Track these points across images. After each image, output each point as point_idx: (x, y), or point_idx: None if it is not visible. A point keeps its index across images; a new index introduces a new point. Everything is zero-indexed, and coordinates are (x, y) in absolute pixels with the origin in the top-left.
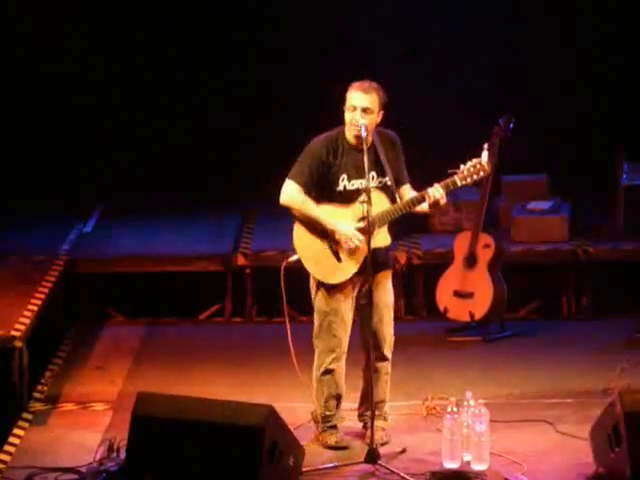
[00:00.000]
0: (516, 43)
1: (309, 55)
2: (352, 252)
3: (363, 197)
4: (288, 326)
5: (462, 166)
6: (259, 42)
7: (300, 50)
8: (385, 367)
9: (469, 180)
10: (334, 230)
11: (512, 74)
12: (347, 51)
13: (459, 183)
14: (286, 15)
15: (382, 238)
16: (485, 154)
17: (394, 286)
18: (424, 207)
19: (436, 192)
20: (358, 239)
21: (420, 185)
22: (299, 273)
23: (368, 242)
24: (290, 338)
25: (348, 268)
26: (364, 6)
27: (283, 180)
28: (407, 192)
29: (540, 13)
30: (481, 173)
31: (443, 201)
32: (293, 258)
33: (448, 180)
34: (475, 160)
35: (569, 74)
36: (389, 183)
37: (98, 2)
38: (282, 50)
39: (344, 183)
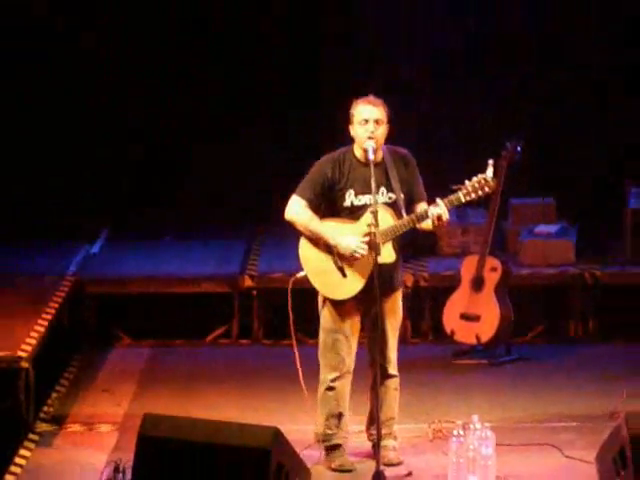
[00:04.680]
0: (526, 63)
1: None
2: (357, 267)
3: (371, 219)
4: (294, 344)
5: (467, 182)
6: (271, 65)
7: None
8: (394, 383)
9: (474, 196)
10: (336, 245)
11: (520, 97)
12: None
13: (463, 199)
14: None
15: (387, 254)
16: (490, 170)
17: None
18: (429, 224)
19: (438, 209)
20: (362, 248)
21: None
22: (307, 296)
23: (375, 261)
24: (297, 356)
25: (353, 284)
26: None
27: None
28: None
29: (553, 36)
30: (486, 189)
31: (446, 217)
32: (301, 274)
33: (452, 197)
34: (480, 176)
35: (578, 97)
36: (397, 200)
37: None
38: (289, 73)
39: (351, 198)
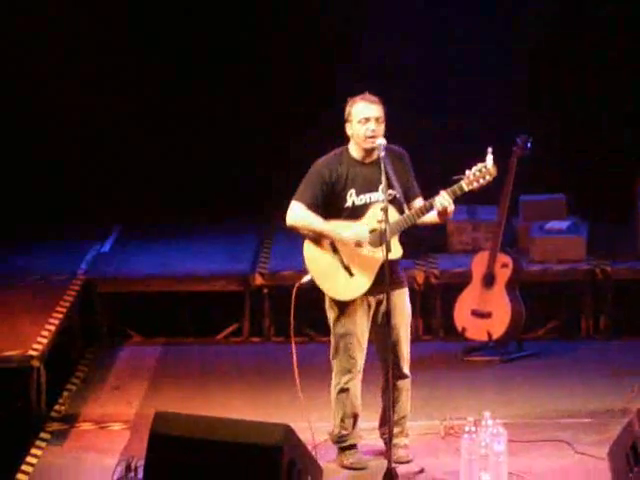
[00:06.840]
0: (537, 62)
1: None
2: (363, 265)
3: (380, 215)
4: (293, 346)
5: (467, 171)
6: (278, 66)
7: (320, 73)
8: (406, 384)
9: (475, 185)
10: (341, 238)
11: (532, 92)
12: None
13: (466, 188)
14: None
15: (394, 250)
16: (490, 157)
17: (412, 305)
18: (434, 216)
19: (443, 200)
20: (365, 237)
21: (426, 193)
22: (317, 293)
23: (385, 259)
24: (295, 358)
25: (361, 283)
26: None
27: None
28: (419, 205)
29: (564, 35)
30: (487, 177)
31: (451, 208)
32: (305, 279)
33: (455, 186)
34: (480, 164)
35: (589, 93)
36: (397, 196)
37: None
38: (302, 75)
39: (352, 198)
